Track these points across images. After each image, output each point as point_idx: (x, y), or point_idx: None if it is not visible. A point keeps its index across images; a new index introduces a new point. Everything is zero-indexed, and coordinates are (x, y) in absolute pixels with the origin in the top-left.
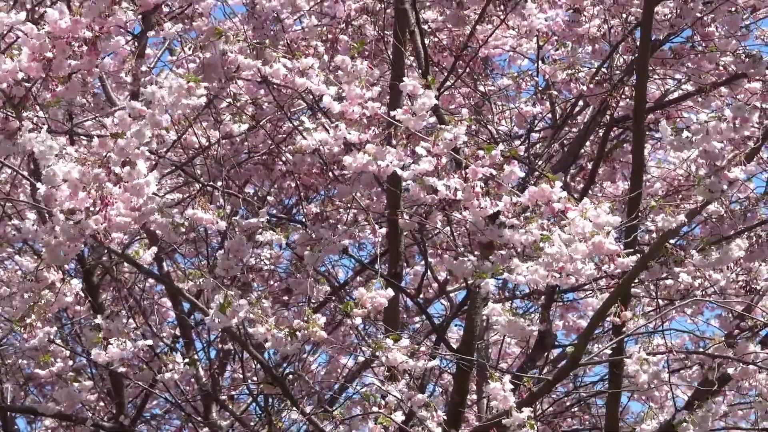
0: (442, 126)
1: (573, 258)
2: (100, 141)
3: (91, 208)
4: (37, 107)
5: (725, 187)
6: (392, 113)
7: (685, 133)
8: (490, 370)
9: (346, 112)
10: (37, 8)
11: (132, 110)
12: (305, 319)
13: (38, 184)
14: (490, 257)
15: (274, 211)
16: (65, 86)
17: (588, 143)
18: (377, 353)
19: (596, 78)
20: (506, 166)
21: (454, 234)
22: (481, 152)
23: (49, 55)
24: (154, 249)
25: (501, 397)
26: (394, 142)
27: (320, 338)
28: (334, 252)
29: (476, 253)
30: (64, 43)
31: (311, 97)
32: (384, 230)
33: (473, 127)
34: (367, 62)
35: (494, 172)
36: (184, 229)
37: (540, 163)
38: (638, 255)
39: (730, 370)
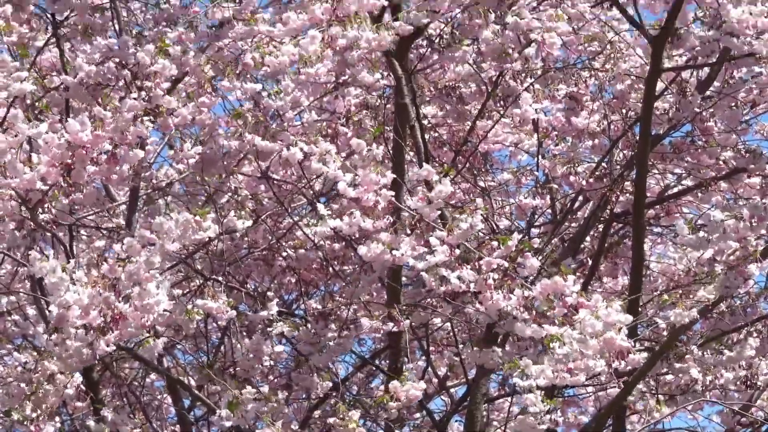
0: (457, 216)
1: (584, 354)
2: (110, 267)
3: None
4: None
5: (742, 284)
6: (407, 202)
7: (702, 233)
8: None
9: (361, 199)
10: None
11: (141, 238)
12: (341, 417)
13: (49, 308)
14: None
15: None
16: (83, 194)
17: (588, 238)
18: None
19: (596, 173)
20: (521, 259)
21: (455, 329)
22: (495, 243)
23: (69, 161)
24: (163, 339)
25: None
26: (407, 231)
27: None
28: (344, 352)
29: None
30: (84, 153)
31: (311, 192)
32: (408, 321)
33: None
34: (383, 147)
35: (507, 264)
36: (199, 317)
37: (540, 258)
38: (648, 351)
39: None
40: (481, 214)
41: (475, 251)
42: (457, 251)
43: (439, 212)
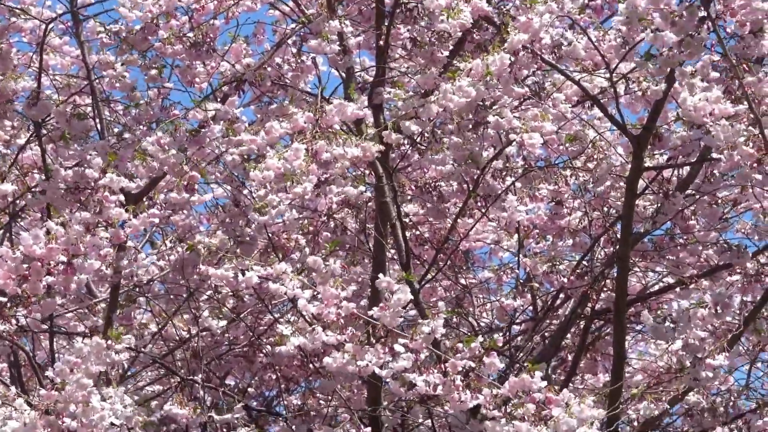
0: (420, 320)
1: None
2: (46, 394)
3: None
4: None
5: (710, 374)
6: (369, 312)
7: (668, 322)
8: None
9: (322, 314)
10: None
11: (68, 363)
12: None
13: None
14: None
15: (255, 404)
16: (40, 305)
17: (569, 335)
18: None
19: (577, 271)
20: (486, 358)
21: (436, 428)
22: (460, 345)
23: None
24: None
25: None
26: (373, 340)
27: None
28: None
29: None
30: (39, 265)
31: None
32: (369, 429)
33: (454, 320)
34: (341, 261)
35: (474, 365)
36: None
37: (521, 355)
38: None
39: None
40: (462, 313)
41: (441, 354)
42: (423, 355)
43: (414, 311)
